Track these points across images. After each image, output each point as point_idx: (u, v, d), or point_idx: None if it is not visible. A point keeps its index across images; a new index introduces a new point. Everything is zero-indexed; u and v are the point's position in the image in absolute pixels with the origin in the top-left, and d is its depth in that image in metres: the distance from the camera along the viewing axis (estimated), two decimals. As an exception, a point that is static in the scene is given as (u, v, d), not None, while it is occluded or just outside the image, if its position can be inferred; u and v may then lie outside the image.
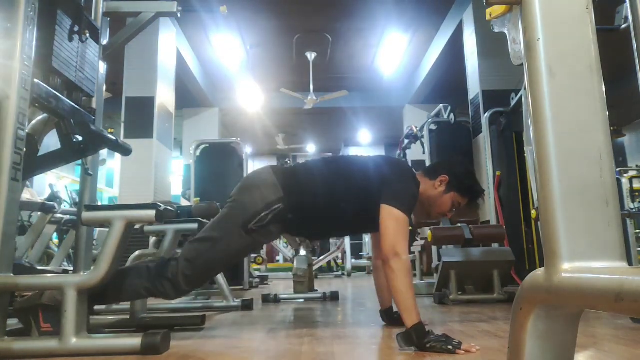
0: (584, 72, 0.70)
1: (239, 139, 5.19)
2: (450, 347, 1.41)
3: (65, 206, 4.46)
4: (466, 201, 1.91)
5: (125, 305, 2.16)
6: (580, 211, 0.66)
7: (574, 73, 0.70)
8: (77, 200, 2.34)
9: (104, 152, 2.42)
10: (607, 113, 0.69)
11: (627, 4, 0.68)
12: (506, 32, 1.09)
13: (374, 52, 7.01)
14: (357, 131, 10.62)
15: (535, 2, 0.72)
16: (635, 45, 0.67)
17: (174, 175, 6.73)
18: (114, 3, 2.04)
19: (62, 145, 1.63)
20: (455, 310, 2.55)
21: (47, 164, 1.74)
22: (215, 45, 6.64)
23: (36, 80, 1.49)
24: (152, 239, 2.84)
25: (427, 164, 4.41)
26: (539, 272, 0.69)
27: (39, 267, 3.41)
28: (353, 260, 7.88)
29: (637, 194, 6.14)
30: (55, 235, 4.32)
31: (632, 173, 6.12)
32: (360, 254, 9.17)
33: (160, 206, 1.56)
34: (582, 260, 0.65)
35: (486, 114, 4.23)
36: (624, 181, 5.41)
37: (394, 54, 7.02)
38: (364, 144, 11.32)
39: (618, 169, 5.73)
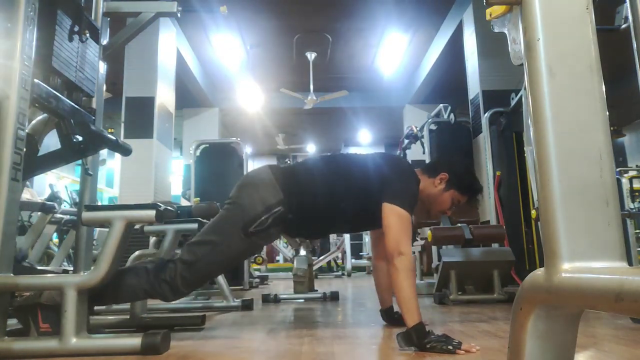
0: (584, 72, 0.70)
1: (239, 139, 5.19)
2: (450, 347, 1.41)
3: (65, 206, 4.45)
4: (466, 199, 1.91)
5: (125, 305, 2.16)
6: (580, 211, 0.66)
7: (574, 73, 0.70)
8: (77, 200, 2.34)
9: (104, 152, 2.42)
10: (607, 113, 0.69)
11: (627, 4, 0.68)
12: (506, 32, 1.09)
13: (374, 52, 7.01)
14: (357, 131, 10.62)
15: (535, 2, 0.72)
16: (635, 45, 0.67)
17: (174, 175, 6.73)
18: (114, 3, 2.04)
19: (62, 145, 1.63)
20: (455, 310, 2.55)
21: (47, 164, 1.74)
22: (215, 45, 6.64)
23: (36, 80, 1.49)
24: (152, 239, 2.84)
25: (427, 164, 4.40)
26: (539, 272, 0.69)
27: (39, 267, 3.41)
28: (353, 260, 7.87)
29: (637, 194, 6.13)
30: (55, 235, 4.32)
31: (632, 173, 6.12)
32: (360, 254, 9.17)
33: (160, 206, 1.56)
34: (582, 260, 0.65)
35: (486, 114, 4.23)
36: (624, 181, 5.41)
37: (394, 54, 7.02)
38: (364, 144, 11.32)
39: (618, 169, 5.73)
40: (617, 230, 0.66)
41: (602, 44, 0.72)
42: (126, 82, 5.07)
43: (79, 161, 1.82)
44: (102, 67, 1.96)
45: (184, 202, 5.68)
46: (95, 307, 1.86)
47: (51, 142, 1.76)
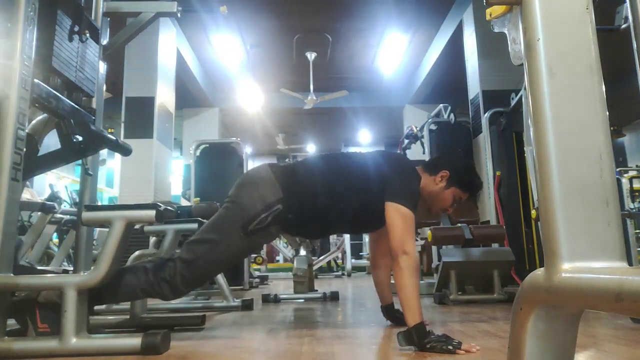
0: (584, 72, 0.70)
1: (239, 139, 5.19)
2: (450, 347, 1.41)
3: (65, 206, 4.45)
4: (467, 195, 1.90)
5: (125, 305, 2.16)
6: (580, 211, 0.66)
7: (574, 73, 0.70)
8: (77, 200, 2.34)
9: (104, 152, 2.42)
10: (607, 113, 0.69)
11: (627, 4, 0.68)
12: (506, 32, 1.09)
13: (374, 52, 7.01)
14: (357, 131, 10.62)
15: (535, 2, 0.72)
16: (635, 45, 0.67)
17: (174, 175, 6.73)
18: (114, 3, 2.04)
19: (62, 145, 1.63)
20: (455, 310, 2.55)
21: (47, 164, 1.74)
22: (215, 45, 6.64)
23: (36, 80, 1.49)
24: (152, 239, 2.84)
25: (427, 164, 4.40)
26: (539, 272, 0.69)
27: (39, 267, 3.41)
28: (353, 260, 7.87)
29: (637, 194, 6.14)
30: (55, 235, 4.32)
31: (632, 173, 6.12)
32: (360, 254, 9.17)
33: (160, 206, 1.56)
34: (582, 260, 0.65)
35: (486, 114, 4.23)
36: (624, 181, 5.41)
37: (394, 54, 7.02)
38: (364, 143, 11.32)
39: (618, 169, 5.73)
40: (617, 230, 0.66)
41: (602, 44, 0.72)
42: (126, 82, 5.07)
43: (79, 161, 1.81)
44: (102, 67, 1.96)
45: (184, 202, 5.68)
46: (95, 307, 1.86)
47: (51, 142, 1.76)
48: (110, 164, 11.14)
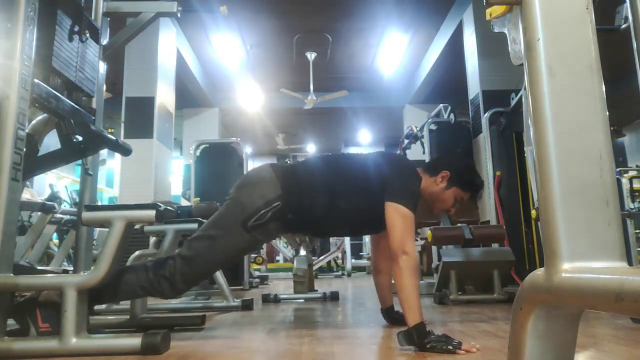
0: (584, 72, 0.70)
1: (239, 139, 5.19)
2: (450, 347, 1.41)
3: (65, 206, 4.45)
4: (468, 195, 1.90)
5: (125, 305, 2.16)
6: (580, 211, 0.66)
7: (574, 73, 0.70)
8: (77, 200, 2.34)
9: (104, 152, 2.42)
10: (607, 113, 0.69)
11: (627, 4, 0.68)
12: (506, 32, 1.09)
13: (374, 52, 7.01)
14: (357, 131, 10.62)
15: (535, 2, 0.72)
16: (635, 45, 0.67)
17: (174, 175, 6.73)
18: (114, 3, 2.04)
19: (62, 145, 1.63)
20: (455, 310, 2.55)
21: (47, 164, 1.74)
22: (215, 45, 6.64)
23: (36, 80, 1.49)
24: (152, 239, 2.84)
25: (427, 164, 4.40)
26: (539, 272, 0.69)
27: (39, 267, 3.41)
28: (353, 260, 7.87)
29: (637, 194, 6.14)
30: (55, 235, 4.32)
31: (632, 173, 6.12)
32: (360, 254, 9.17)
33: (160, 206, 1.56)
34: (582, 260, 0.65)
35: (486, 114, 4.23)
36: (624, 181, 5.41)
37: (394, 54, 7.02)
38: (364, 144, 11.32)
39: (618, 169, 5.73)
40: (617, 230, 0.66)
41: (602, 44, 0.72)
42: (126, 82, 5.07)
43: (79, 161, 1.82)
44: (102, 67, 1.96)
45: (184, 202, 5.68)
46: (95, 307, 1.86)
47: (51, 142, 1.76)
48: (110, 164, 11.14)
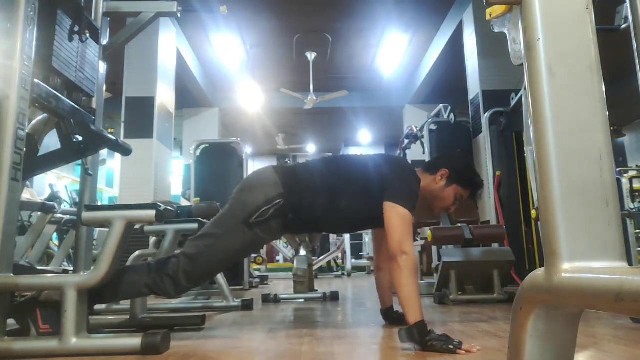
0: (584, 72, 0.70)
1: (239, 139, 5.19)
2: (451, 346, 1.41)
3: (65, 206, 4.46)
4: (468, 193, 1.91)
5: (125, 305, 2.16)
6: (580, 211, 0.66)
7: (574, 73, 0.70)
8: (77, 200, 2.34)
9: (104, 152, 2.42)
10: (607, 113, 0.69)
11: (627, 4, 0.68)
12: (506, 32, 1.09)
13: (374, 52, 7.01)
14: (357, 131, 10.62)
15: (535, 2, 0.72)
16: (635, 45, 0.67)
17: (174, 175, 6.73)
18: (114, 3, 2.04)
19: (62, 145, 1.63)
20: (455, 310, 2.55)
21: (47, 164, 1.74)
22: (215, 45, 6.64)
23: (36, 80, 1.49)
24: (152, 239, 2.84)
25: (427, 164, 4.40)
26: (539, 272, 0.69)
27: (39, 267, 3.41)
28: (353, 260, 7.87)
29: (637, 194, 6.14)
30: (55, 235, 4.32)
31: (632, 173, 6.12)
32: (360, 254, 9.17)
33: (160, 206, 1.56)
34: (582, 260, 0.65)
35: (486, 114, 4.23)
36: (624, 181, 5.41)
37: (394, 54, 7.02)
38: (364, 144, 11.32)
39: (618, 169, 5.73)
40: (617, 230, 0.66)
41: (602, 44, 0.72)
42: (126, 82, 5.07)
43: (79, 161, 1.82)
44: (102, 67, 1.96)
45: (184, 202, 5.68)
46: (95, 307, 1.86)
47: (51, 142, 1.76)
48: (110, 164, 11.14)
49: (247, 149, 5.38)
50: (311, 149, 12.15)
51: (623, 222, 1.78)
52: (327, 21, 6.07)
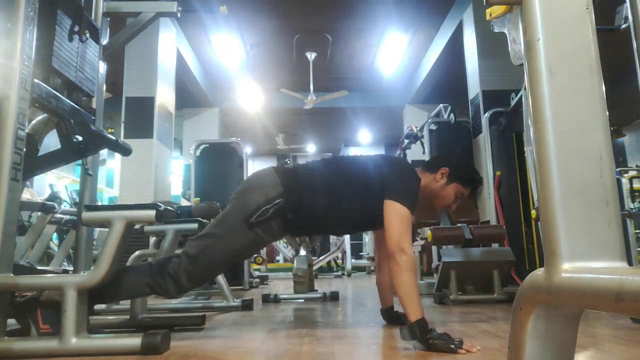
0: (584, 72, 0.70)
1: (239, 139, 5.18)
2: (452, 345, 1.41)
3: (65, 206, 4.46)
4: (468, 190, 1.92)
5: (125, 305, 2.16)
6: (580, 211, 0.66)
7: (574, 73, 0.70)
8: (77, 200, 2.34)
9: (104, 152, 2.42)
10: (607, 113, 0.69)
11: (627, 4, 0.68)
12: (506, 32, 1.09)
13: (374, 52, 7.01)
14: (357, 131, 10.62)
15: (535, 2, 0.72)
16: (635, 45, 0.67)
17: (174, 175, 6.73)
18: (114, 3, 2.04)
19: (62, 145, 1.63)
20: (455, 310, 2.55)
21: (47, 164, 1.74)
22: (215, 45, 6.63)
23: (36, 80, 1.49)
24: (152, 239, 2.84)
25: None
26: (539, 272, 0.69)
27: (39, 267, 3.41)
28: (353, 260, 7.87)
29: (637, 194, 6.13)
30: (55, 235, 4.32)
31: (632, 173, 6.12)
32: (360, 254, 9.17)
33: (160, 206, 1.56)
34: (582, 260, 0.65)
35: (486, 114, 4.23)
36: (624, 181, 5.41)
37: (394, 54, 7.02)
38: (364, 144, 11.32)
39: (618, 169, 5.73)
40: (617, 230, 0.66)
41: (602, 44, 0.72)
42: (126, 82, 5.07)
43: (79, 161, 1.82)
44: (102, 67, 1.96)
45: (184, 202, 5.68)
46: (96, 307, 1.86)
47: (51, 142, 1.76)
48: (110, 164, 11.14)
49: (247, 149, 5.37)
50: (311, 149, 12.15)
51: (623, 222, 1.78)
52: (327, 21, 6.07)
